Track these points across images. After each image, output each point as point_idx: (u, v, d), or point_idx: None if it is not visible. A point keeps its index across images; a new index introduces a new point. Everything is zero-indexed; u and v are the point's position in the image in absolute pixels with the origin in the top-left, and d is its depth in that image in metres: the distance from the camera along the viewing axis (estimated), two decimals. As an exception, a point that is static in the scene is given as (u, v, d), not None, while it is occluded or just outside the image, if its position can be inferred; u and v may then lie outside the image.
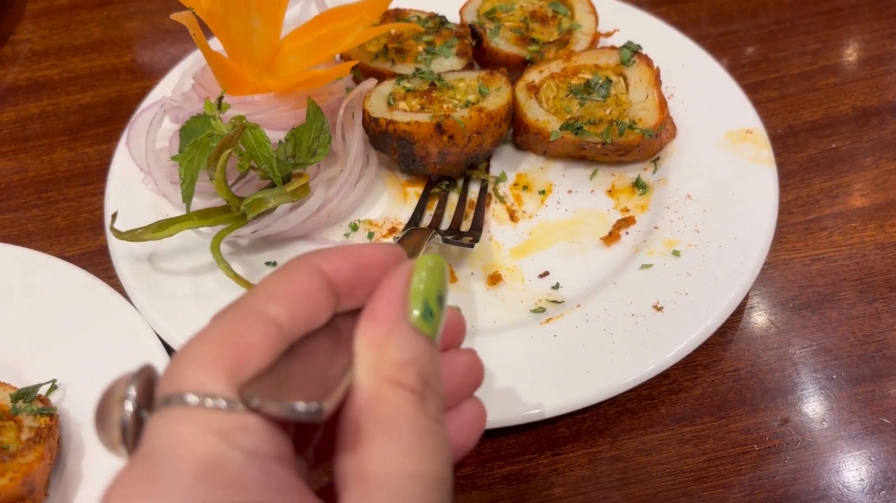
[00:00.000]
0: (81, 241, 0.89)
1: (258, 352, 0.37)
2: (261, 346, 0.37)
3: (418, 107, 0.85)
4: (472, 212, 0.86)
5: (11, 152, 0.99)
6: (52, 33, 1.16)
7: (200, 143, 0.77)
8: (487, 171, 0.91)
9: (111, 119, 1.03)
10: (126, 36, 1.15)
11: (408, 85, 0.86)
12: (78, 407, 0.70)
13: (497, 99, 0.85)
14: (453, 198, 0.88)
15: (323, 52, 0.90)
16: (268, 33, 0.89)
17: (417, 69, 0.93)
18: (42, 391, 0.69)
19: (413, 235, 0.75)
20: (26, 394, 0.66)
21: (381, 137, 0.83)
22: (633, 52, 0.90)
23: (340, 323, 0.42)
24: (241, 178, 0.83)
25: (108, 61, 1.11)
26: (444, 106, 0.85)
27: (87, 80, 1.08)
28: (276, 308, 0.38)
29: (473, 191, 0.89)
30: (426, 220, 0.85)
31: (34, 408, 0.66)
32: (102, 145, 0.99)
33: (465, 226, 0.84)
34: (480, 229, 0.83)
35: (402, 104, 0.85)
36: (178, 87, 0.94)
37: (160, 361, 0.72)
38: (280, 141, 0.81)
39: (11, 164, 0.98)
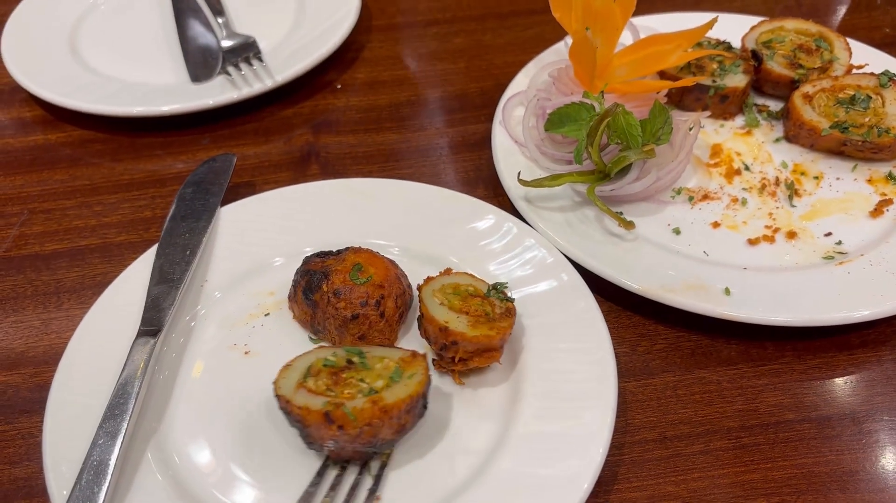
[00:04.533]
0: (464, 192, 1.20)
1: None
2: None
3: (324, 387, 0.83)
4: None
5: (394, 128, 1.33)
6: (397, 44, 1.51)
7: (589, 121, 1.08)
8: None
9: (463, 108, 1.36)
10: (455, 48, 1.49)
11: (330, 358, 0.85)
12: (515, 292, 1.00)
13: (401, 390, 0.82)
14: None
15: (648, 68, 1.22)
16: (605, 49, 1.21)
17: (714, 80, 1.24)
18: (501, 287, 0.99)
19: None
20: (497, 286, 0.97)
21: (285, 414, 0.83)
22: (889, 79, 1.19)
23: None
24: (602, 151, 1.14)
25: (447, 67, 1.45)
26: (347, 391, 0.82)
27: (435, 79, 1.42)
28: None
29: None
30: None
31: (502, 296, 0.97)
32: (460, 126, 1.33)
33: None
34: None
35: (311, 382, 0.83)
36: (532, 84, 1.26)
37: (563, 263, 1.02)
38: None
39: (396, 135, 1.32)
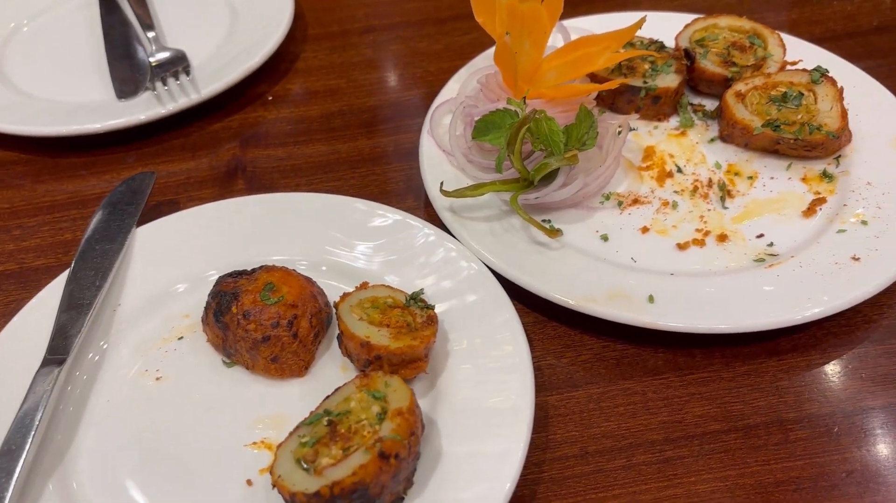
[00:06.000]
0: (392, 203, 1.16)
1: None
2: None
3: (340, 454, 0.77)
4: None
5: (324, 139, 1.30)
6: (331, 53, 1.48)
7: (510, 128, 1.05)
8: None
9: (395, 117, 1.33)
10: (391, 56, 1.46)
11: (306, 439, 0.79)
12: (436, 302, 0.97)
13: (398, 393, 0.81)
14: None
15: (577, 72, 1.19)
16: (533, 53, 1.18)
17: (645, 81, 1.21)
18: (420, 294, 0.96)
19: None
20: (416, 295, 0.94)
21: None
22: (821, 74, 1.17)
23: None
24: (527, 158, 1.11)
25: (381, 75, 1.42)
26: (365, 433, 0.78)
27: (369, 88, 1.39)
28: None
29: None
30: None
31: (421, 304, 0.94)
32: (392, 136, 1.30)
33: None
34: None
35: (324, 460, 0.77)
36: (461, 91, 1.24)
37: (484, 274, 0.99)
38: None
39: (326, 147, 1.29)
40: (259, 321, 0.92)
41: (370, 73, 1.42)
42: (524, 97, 1.10)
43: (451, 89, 1.27)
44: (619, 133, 1.13)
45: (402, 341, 0.88)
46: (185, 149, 1.30)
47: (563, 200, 1.10)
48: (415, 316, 0.93)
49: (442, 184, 1.09)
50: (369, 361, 0.88)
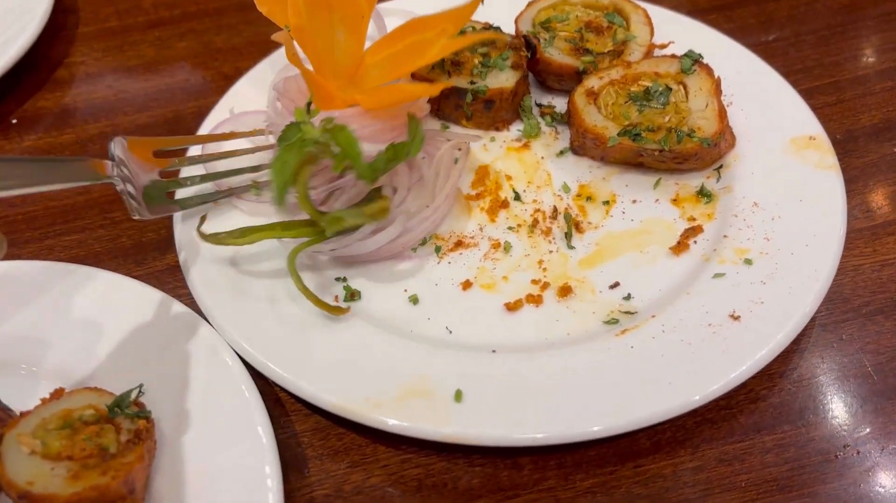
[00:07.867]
0: (148, 260, 0.90)
1: None
2: None
3: None
4: None
5: (73, 174, 1.00)
6: (105, 55, 1.17)
7: (293, 147, 0.75)
8: None
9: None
10: (178, 56, 1.16)
11: None
12: (164, 414, 0.71)
13: None
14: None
15: (407, 65, 0.88)
16: (351, 45, 0.88)
17: (472, 81, 0.94)
18: (133, 396, 0.70)
19: None
20: (122, 400, 0.68)
21: None
22: (693, 61, 0.90)
23: None
24: (331, 197, 0.83)
25: (161, 81, 1.12)
26: None
27: (143, 100, 1.10)
28: None
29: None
30: None
31: (131, 412, 0.67)
32: (162, 165, 1.00)
33: None
34: None
35: None
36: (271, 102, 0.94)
37: (237, 373, 0.72)
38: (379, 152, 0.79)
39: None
40: None
41: (148, 81, 1.12)
42: (309, 105, 0.80)
43: (238, 98, 0.97)
44: (457, 161, 0.86)
45: (87, 480, 0.63)
46: None
47: (371, 253, 0.82)
48: (120, 431, 0.66)
49: (202, 221, 0.80)
50: (40, 518, 0.62)
